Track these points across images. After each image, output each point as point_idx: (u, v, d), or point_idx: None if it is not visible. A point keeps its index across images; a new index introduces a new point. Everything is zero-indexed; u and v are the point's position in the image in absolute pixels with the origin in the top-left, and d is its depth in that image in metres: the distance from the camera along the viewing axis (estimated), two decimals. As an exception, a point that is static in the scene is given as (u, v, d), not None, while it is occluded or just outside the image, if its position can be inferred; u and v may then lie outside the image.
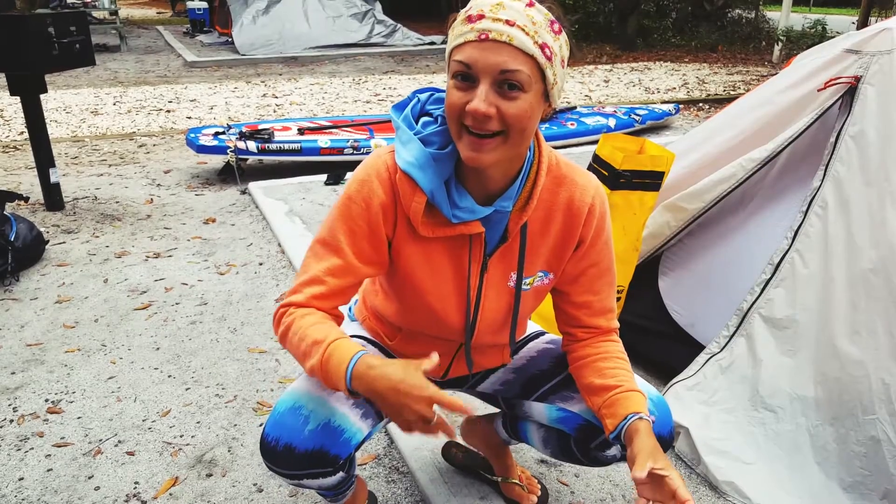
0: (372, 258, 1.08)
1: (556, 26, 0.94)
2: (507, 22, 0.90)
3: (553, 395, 1.24)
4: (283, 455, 1.07)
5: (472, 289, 1.12)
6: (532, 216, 1.09)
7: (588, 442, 1.20)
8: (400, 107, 1.09)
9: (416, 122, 1.06)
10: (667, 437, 1.18)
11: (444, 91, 1.07)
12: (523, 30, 0.90)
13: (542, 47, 0.92)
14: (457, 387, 1.39)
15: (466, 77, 0.93)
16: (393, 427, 1.84)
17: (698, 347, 1.96)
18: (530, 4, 0.92)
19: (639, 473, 0.95)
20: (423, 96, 1.09)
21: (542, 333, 1.38)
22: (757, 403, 1.73)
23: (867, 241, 1.63)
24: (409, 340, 1.24)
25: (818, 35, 10.65)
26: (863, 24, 10.46)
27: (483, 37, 0.90)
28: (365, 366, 0.95)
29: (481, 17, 0.91)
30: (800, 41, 10.51)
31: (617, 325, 1.23)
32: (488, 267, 1.11)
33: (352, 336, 1.25)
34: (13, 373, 2.20)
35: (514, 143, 0.95)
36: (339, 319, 1.11)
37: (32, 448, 1.84)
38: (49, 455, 1.81)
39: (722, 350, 1.84)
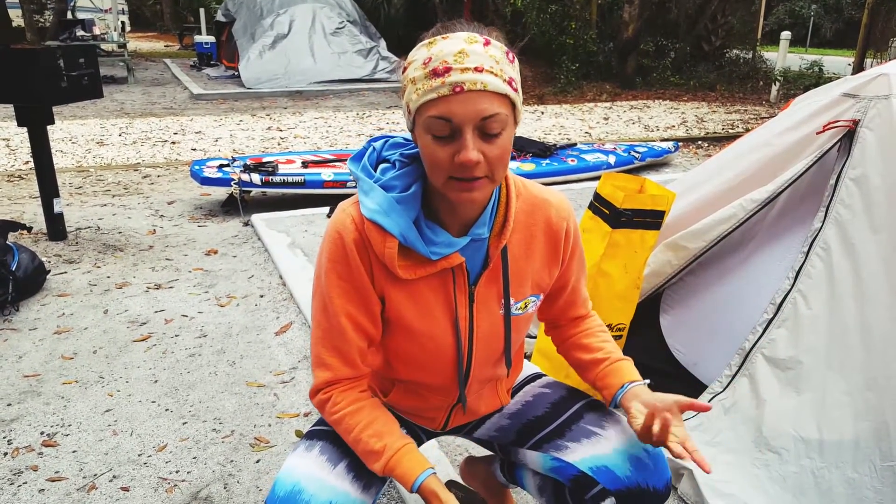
0: (370, 309, 1.09)
1: (511, 55, 0.95)
2: (476, 69, 0.89)
3: (547, 444, 1.22)
4: None
5: (462, 319, 1.12)
6: (513, 240, 1.11)
7: (583, 493, 1.18)
8: (357, 158, 1.09)
9: (375, 170, 1.07)
10: (662, 491, 1.14)
11: (396, 136, 1.10)
12: (492, 72, 0.90)
13: (510, 83, 0.93)
14: (455, 433, 1.37)
15: (446, 130, 0.92)
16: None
17: (700, 387, 1.94)
18: (487, 43, 0.92)
19: (636, 426, 1.08)
20: (378, 144, 1.10)
21: (539, 376, 1.37)
22: (761, 444, 1.71)
23: (884, 288, 1.63)
24: (406, 393, 1.23)
25: (815, 76, 10.85)
26: (858, 66, 10.66)
27: (458, 90, 0.89)
28: (428, 492, 1.04)
29: (448, 69, 0.89)
30: (797, 81, 10.70)
31: (591, 307, 1.31)
32: (476, 297, 1.11)
33: None
34: (9, 404, 2.18)
35: (499, 177, 0.98)
36: (366, 377, 1.17)
37: (26, 482, 1.81)
38: (42, 490, 1.79)
39: (724, 390, 1.83)
